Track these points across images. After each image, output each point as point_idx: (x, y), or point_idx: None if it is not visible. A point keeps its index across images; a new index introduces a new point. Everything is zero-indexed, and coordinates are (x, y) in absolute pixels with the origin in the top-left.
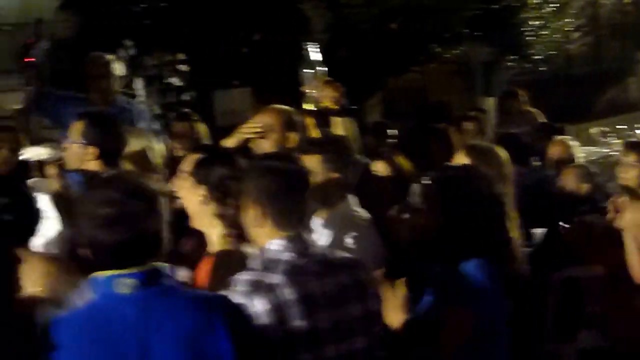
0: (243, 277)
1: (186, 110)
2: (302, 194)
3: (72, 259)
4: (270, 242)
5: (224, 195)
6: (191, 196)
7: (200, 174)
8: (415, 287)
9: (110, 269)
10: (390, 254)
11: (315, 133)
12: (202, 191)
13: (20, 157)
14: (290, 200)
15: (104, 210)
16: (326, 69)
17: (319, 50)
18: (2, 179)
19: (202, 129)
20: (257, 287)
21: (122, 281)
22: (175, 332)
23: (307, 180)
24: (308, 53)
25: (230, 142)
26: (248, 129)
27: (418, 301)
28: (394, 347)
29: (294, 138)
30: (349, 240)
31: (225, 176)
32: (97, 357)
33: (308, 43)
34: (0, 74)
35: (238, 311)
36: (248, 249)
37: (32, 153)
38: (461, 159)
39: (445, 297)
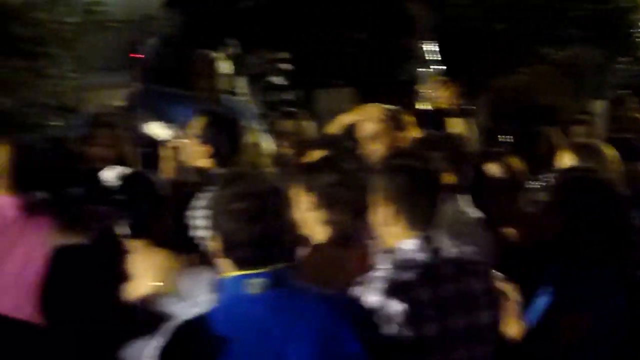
0: (378, 275)
1: (292, 108)
2: (435, 192)
3: (178, 245)
4: (402, 242)
5: (332, 203)
6: (299, 202)
7: (307, 180)
8: (528, 288)
9: (242, 265)
10: (502, 255)
11: (417, 133)
12: (309, 197)
13: (142, 133)
14: (423, 199)
15: (242, 205)
16: (444, 67)
17: (436, 48)
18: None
19: (309, 127)
20: (393, 286)
21: (251, 281)
22: (307, 334)
23: (439, 179)
24: (424, 52)
25: (333, 128)
26: (351, 118)
27: (530, 302)
28: (510, 354)
29: (403, 137)
30: (455, 241)
31: (334, 183)
32: (229, 357)
33: (425, 42)
34: (104, 71)
35: (366, 312)
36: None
37: (153, 130)
38: (568, 158)
39: (563, 300)
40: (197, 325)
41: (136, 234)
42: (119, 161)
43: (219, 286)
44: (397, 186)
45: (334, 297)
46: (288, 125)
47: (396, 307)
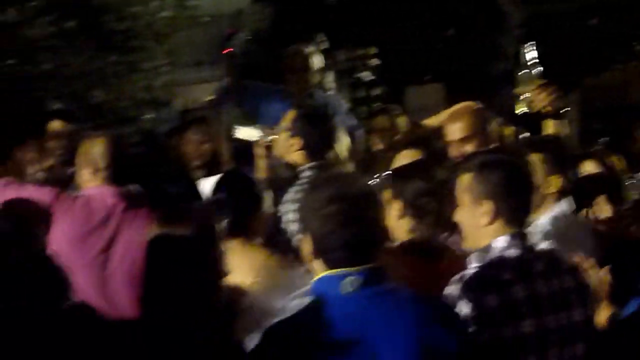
0: (471, 273)
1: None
2: (530, 190)
3: (272, 243)
4: (496, 240)
5: (419, 212)
6: (389, 209)
7: (395, 187)
8: (628, 284)
9: (334, 265)
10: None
11: (509, 132)
12: (397, 205)
13: (234, 137)
14: (520, 196)
15: (335, 209)
16: (541, 69)
17: (535, 49)
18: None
19: (402, 123)
20: (486, 284)
21: (345, 280)
22: (402, 333)
23: (532, 176)
24: (524, 53)
25: (432, 122)
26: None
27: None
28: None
29: (493, 136)
30: (557, 242)
31: (421, 192)
32: (324, 355)
33: (526, 43)
34: (193, 67)
35: (459, 312)
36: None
37: (244, 134)
38: None
39: None
40: (292, 323)
41: (233, 232)
42: (213, 157)
43: (313, 285)
44: (495, 183)
45: (427, 298)
46: (382, 121)
47: (490, 305)
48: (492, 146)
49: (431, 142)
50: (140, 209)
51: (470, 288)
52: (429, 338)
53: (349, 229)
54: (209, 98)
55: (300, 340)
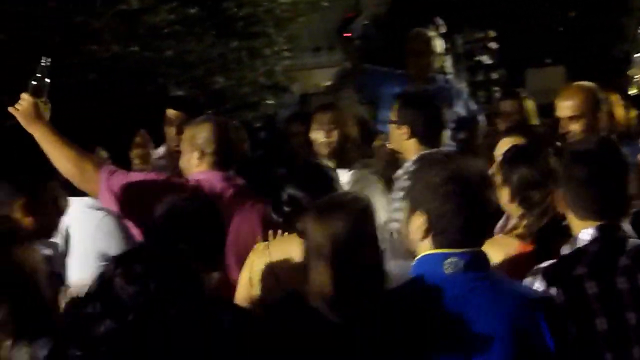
0: (543, 267)
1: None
2: (619, 180)
3: None
4: (582, 232)
5: (525, 200)
6: (499, 190)
7: (504, 172)
8: None
9: (447, 246)
10: None
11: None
12: (506, 190)
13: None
14: (604, 187)
15: (456, 188)
16: None
17: None
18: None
19: (530, 107)
20: (556, 278)
21: (449, 261)
22: (498, 322)
23: (625, 165)
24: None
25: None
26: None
27: None
28: None
29: (603, 119)
30: None
31: (528, 180)
32: (418, 331)
33: None
34: (312, 52)
35: (555, 306)
36: None
37: None
38: None
39: None
40: (392, 299)
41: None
42: (338, 145)
43: (416, 263)
44: (573, 174)
45: (523, 287)
46: (508, 105)
47: (558, 298)
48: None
49: (533, 128)
50: (248, 194)
51: (542, 280)
52: (527, 331)
53: (468, 210)
54: (328, 83)
55: (398, 315)
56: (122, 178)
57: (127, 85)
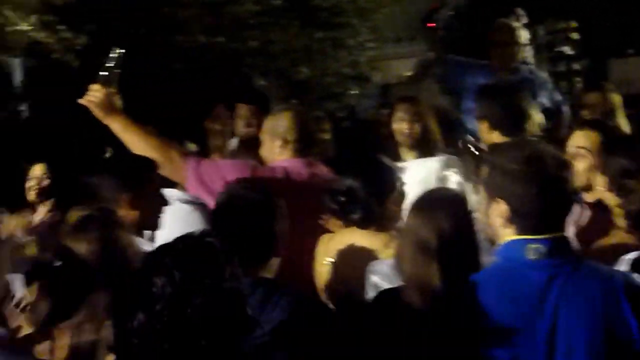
0: (630, 257)
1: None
2: None
3: None
4: None
5: (621, 189)
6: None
7: (602, 162)
8: None
9: (525, 231)
10: None
11: None
12: (604, 180)
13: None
14: None
15: (538, 170)
16: None
17: None
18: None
19: (616, 99)
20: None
21: (532, 246)
22: (584, 307)
23: None
24: None
25: None
26: None
27: None
28: None
29: None
30: None
31: (623, 170)
32: (503, 317)
33: None
34: (395, 42)
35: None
36: None
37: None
38: None
39: None
40: (474, 285)
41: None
42: (421, 135)
43: (500, 249)
44: None
45: (611, 272)
46: (594, 97)
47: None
48: None
49: (606, 122)
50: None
51: (628, 269)
52: (611, 319)
53: (547, 193)
54: (409, 73)
55: (478, 301)
56: (211, 166)
57: (212, 75)
